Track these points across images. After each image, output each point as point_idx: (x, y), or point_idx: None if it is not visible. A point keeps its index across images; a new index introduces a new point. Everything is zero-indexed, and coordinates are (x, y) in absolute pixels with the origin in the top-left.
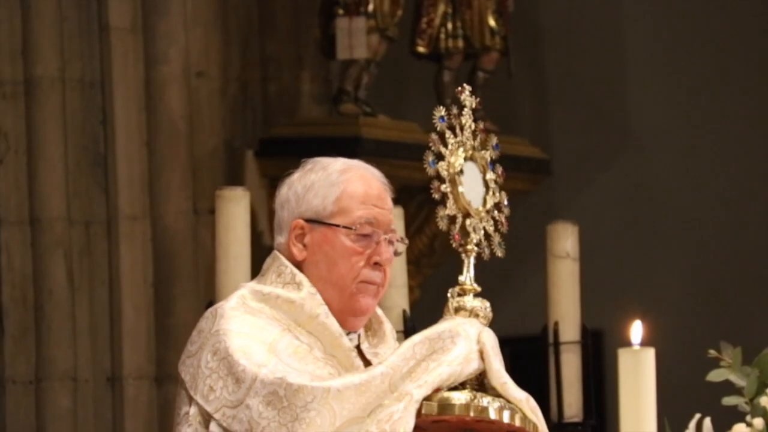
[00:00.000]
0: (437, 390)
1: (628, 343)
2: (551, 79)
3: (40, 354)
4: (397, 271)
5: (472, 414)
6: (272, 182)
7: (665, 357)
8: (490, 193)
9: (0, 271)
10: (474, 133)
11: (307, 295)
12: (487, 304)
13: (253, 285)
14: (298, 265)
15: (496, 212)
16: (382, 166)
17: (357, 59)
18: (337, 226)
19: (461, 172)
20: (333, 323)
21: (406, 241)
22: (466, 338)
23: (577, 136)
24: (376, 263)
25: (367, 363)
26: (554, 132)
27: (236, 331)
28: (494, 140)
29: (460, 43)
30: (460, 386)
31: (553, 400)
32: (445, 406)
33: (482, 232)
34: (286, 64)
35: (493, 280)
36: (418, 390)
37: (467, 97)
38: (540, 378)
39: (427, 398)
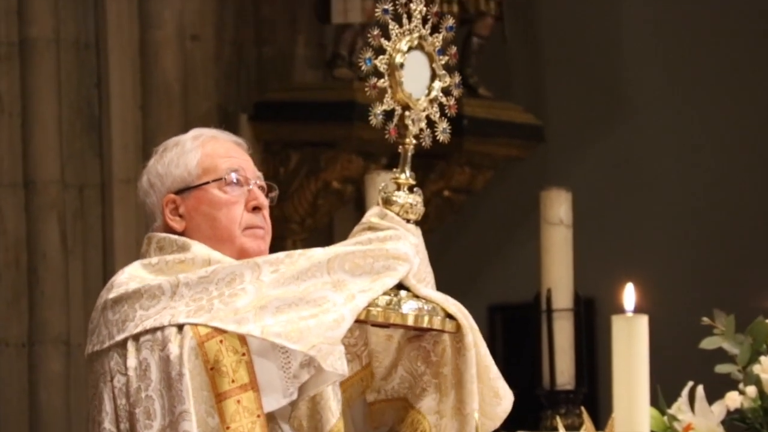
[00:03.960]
0: None
1: (620, 311)
2: (546, 46)
3: (33, 317)
4: None
5: (391, 321)
6: (266, 146)
7: (658, 325)
8: (437, 79)
9: None
10: (425, 19)
11: (196, 250)
12: (419, 199)
13: (141, 261)
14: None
15: (444, 98)
16: (377, 131)
17: (352, 23)
18: (207, 183)
19: (401, 65)
20: (232, 261)
21: (276, 187)
22: (409, 260)
23: (571, 103)
24: (255, 207)
25: None
26: (548, 99)
27: (134, 281)
28: (450, 22)
29: (455, 8)
30: None
31: (545, 368)
32: (365, 312)
33: (423, 123)
34: (281, 28)
35: (486, 247)
36: (362, 295)
37: None
38: (532, 345)
39: None
